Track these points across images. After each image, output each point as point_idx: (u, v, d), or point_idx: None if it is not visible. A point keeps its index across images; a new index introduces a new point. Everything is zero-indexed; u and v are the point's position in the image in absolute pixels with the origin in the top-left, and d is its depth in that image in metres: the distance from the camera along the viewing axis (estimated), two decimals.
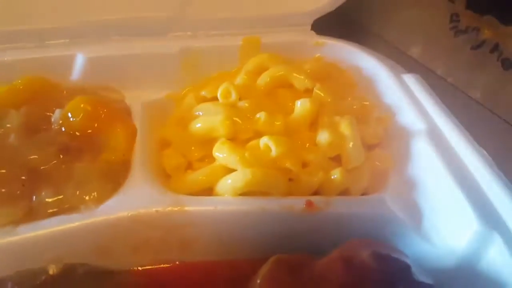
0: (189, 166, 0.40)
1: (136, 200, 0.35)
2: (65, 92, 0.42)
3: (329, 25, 0.53)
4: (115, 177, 0.36)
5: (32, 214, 0.34)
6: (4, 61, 0.43)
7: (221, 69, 0.47)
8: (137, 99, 0.44)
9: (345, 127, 0.38)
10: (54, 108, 0.40)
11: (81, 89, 0.42)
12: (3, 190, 0.34)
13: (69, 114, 0.39)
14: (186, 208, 0.34)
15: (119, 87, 0.45)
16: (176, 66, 0.46)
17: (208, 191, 0.37)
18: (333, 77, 0.47)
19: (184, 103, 0.44)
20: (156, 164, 0.39)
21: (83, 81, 0.45)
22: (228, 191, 0.35)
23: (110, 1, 0.45)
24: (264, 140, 0.36)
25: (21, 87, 0.41)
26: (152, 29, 0.46)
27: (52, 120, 0.39)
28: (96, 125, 0.39)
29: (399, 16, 0.60)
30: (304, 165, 0.37)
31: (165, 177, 0.39)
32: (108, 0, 0.45)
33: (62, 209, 0.34)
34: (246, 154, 0.35)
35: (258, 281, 0.28)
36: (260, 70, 0.44)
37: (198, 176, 0.38)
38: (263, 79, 0.43)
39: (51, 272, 0.30)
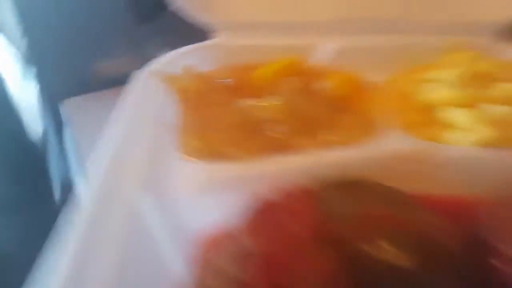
0: None
1: (396, 141, 0.48)
2: (316, 69, 0.58)
3: None
4: (371, 127, 0.50)
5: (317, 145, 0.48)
6: (268, 44, 0.60)
7: None
8: None
9: None
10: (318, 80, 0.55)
11: (329, 69, 0.58)
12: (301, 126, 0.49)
13: (331, 85, 0.54)
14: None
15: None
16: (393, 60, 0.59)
17: None
18: None
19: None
20: None
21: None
22: None
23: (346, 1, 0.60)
24: None
25: (288, 63, 0.57)
26: (377, 27, 0.60)
27: (318, 88, 0.55)
28: (351, 92, 0.54)
29: None
30: None
31: None
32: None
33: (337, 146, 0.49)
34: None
35: None
36: None
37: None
38: None
39: None
